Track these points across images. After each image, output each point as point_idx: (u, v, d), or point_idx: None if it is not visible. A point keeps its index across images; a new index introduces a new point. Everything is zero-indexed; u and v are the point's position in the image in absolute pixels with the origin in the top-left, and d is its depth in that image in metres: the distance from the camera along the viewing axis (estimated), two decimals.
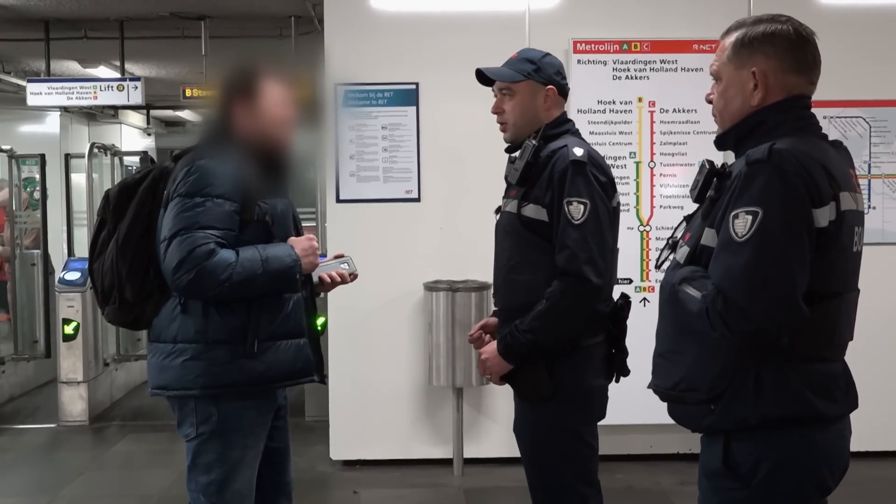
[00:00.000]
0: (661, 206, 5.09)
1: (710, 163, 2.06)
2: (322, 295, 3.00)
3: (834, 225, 1.92)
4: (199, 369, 2.60)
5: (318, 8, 6.89)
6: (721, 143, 2.15)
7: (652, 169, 5.09)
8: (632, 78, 5.08)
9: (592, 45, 5.07)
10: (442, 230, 5.18)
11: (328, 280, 2.86)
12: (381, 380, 5.21)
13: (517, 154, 2.80)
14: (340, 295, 3.80)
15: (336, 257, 2.94)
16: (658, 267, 2.31)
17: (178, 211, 2.55)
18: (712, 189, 2.03)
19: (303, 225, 2.89)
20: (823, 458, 1.98)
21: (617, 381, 2.86)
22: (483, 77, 2.89)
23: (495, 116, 2.90)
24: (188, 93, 8.80)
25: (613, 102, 5.08)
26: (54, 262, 7.51)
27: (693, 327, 1.96)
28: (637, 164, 5.09)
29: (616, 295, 2.83)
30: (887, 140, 5.23)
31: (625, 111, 5.09)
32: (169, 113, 14.25)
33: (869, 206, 5.14)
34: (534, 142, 2.75)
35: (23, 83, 9.12)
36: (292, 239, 2.72)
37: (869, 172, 5.20)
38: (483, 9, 5.16)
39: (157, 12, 7.99)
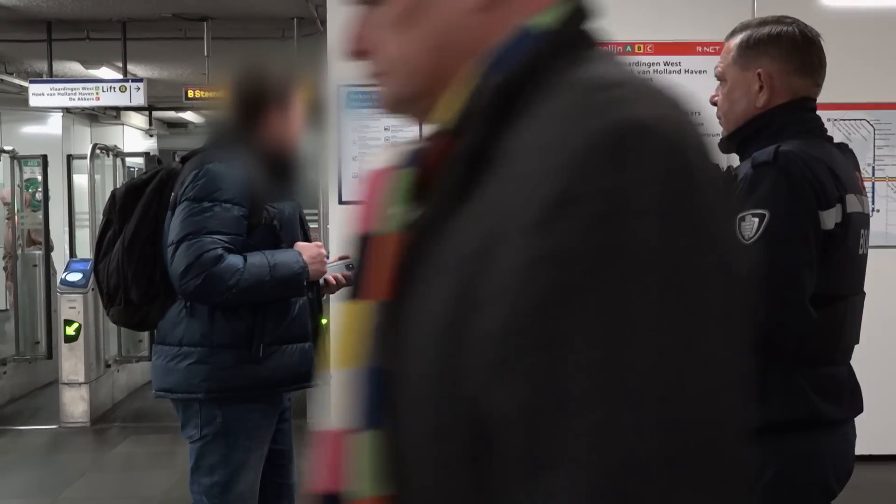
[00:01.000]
0: None
1: None
2: (325, 297, 3.00)
3: (840, 227, 1.91)
4: (204, 373, 2.60)
5: (320, 9, 6.88)
6: (726, 146, 2.13)
7: None
8: None
9: None
10: None
11: (333, 282, 2.85)
12: None
13: None
14: (341, 295, 3.78)
15: (340, 258, 2.94)
16: None
17: (186, 215, 2.54)
18: None
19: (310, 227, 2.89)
20: (828, 462, 1.97)
21: None
22: None
23: None
24: (190, 94, 8.81)
25: None
26: (56, 264, 7.51)
27: None
28: None
29: None
30: (891, 143, 5.22)
31: None
32: (171, 114, 14.27)
33: (873, 209, 5.12)
34: None
35: (25, 84, 9.14)
36: (300, 245, 2.71)
37: (873, 175, 5.18)
38: None
39: (160, 13, 8.00)
